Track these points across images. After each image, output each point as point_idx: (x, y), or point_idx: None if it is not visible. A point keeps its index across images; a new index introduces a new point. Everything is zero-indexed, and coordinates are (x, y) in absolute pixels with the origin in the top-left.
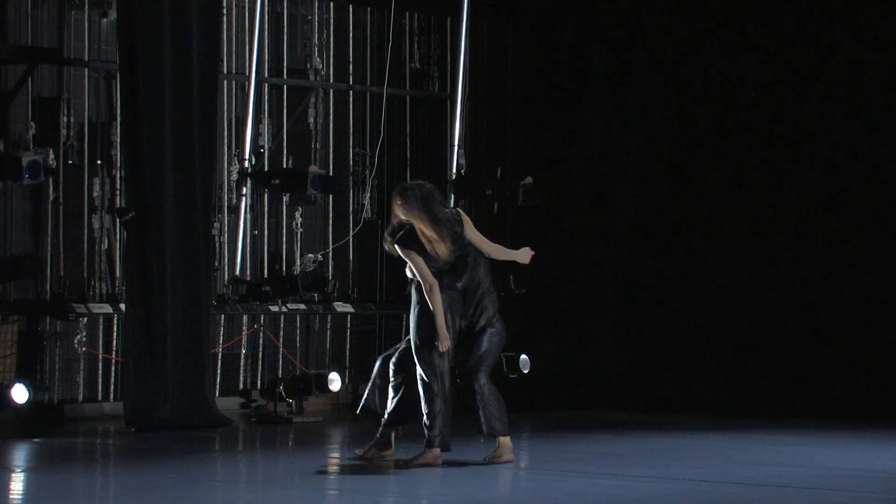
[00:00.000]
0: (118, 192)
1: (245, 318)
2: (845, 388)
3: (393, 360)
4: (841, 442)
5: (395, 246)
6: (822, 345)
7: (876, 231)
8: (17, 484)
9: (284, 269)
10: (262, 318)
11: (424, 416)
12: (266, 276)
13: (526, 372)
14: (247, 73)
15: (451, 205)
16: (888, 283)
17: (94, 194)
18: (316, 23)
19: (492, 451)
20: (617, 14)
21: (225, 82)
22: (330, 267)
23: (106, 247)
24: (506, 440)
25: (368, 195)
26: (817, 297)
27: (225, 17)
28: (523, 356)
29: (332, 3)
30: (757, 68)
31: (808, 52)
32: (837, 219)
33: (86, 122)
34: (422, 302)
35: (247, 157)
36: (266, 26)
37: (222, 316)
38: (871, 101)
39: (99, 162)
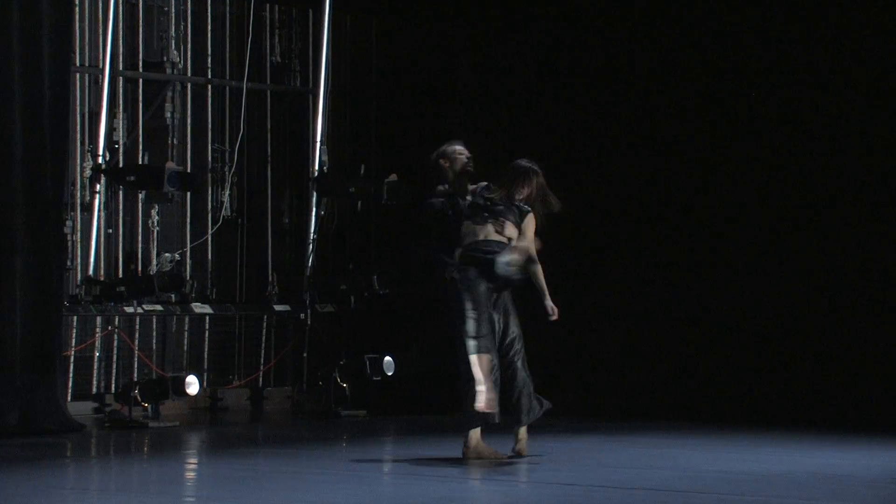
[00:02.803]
0: None
1: (98, 319)
2: (715, 389)
3: None
4: (709, 445)
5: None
6: (694, 347)
7: (785, 232)
8: None
9: (140, 268)
10: (117, 319)
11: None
12: (121, 275)
13: (391, 374)
14: (100, 66)
15: (314, 202)
16: (767, 283)
17: None
18: (173, 14)
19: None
20: (483, 6)
21: (77, 75)
22: (188, 266)
23: None
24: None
25: (228, 192)
26: (688, 296)
27: (77, 7)
28: (388, 358)
29: None
30: (630, 57)
31: (696, 38)
32: (734, 214)
33: None
34: None
35: (101, 152)
36: (120, 17)
37: (75, 317)
38: (827, 88)
39: None
